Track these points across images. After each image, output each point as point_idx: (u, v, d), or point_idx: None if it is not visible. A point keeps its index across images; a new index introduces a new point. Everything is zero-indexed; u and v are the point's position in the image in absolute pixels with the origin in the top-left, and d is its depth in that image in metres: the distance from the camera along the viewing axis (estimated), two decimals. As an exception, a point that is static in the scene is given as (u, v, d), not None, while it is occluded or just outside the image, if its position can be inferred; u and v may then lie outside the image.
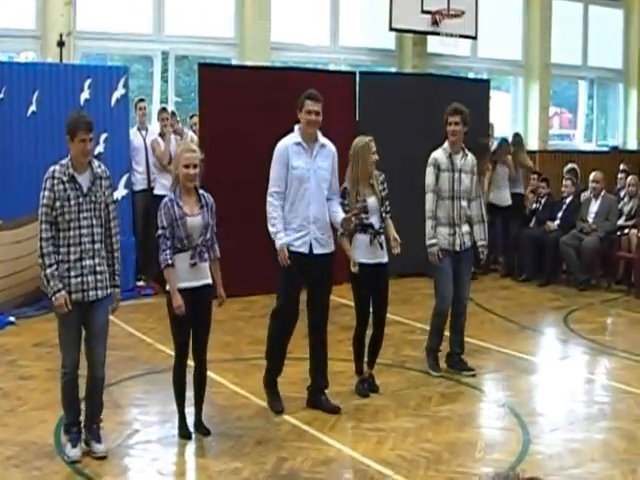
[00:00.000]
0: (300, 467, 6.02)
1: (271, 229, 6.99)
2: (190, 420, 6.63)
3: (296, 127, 7.14)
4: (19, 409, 7.14)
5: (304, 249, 7.03)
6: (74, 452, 6.08)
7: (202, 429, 6.62)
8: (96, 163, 6.20)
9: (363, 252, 7.44)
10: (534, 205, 13.62)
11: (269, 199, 7.02)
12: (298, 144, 7.06)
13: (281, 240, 6.93)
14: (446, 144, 8.17)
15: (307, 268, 7.00)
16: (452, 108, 8.18)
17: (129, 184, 11.90)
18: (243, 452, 6.28)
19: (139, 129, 12.32)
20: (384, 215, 7.52)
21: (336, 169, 7.28)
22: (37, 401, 7.25)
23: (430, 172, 8.09)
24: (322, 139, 7.21)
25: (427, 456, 6.23)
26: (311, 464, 6.07)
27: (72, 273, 6.00)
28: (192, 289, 6.36)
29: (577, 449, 6.42)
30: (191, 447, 6.45)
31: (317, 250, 7.07)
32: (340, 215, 7.14)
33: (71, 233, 5.98)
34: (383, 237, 7.53)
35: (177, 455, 6.38)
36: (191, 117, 12.86)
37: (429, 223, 8.01)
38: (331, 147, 7.26)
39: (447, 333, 8.30)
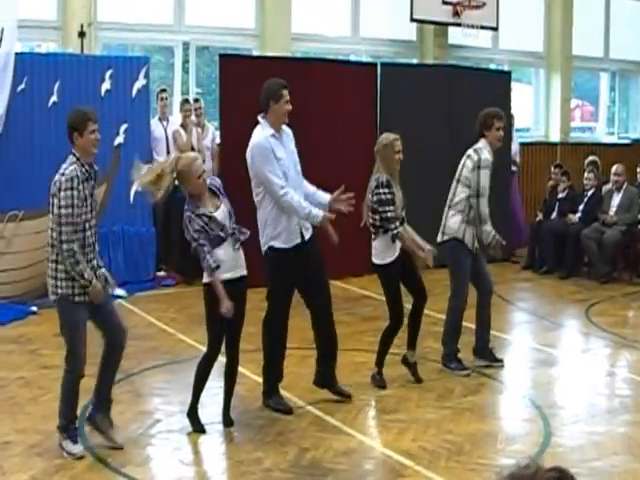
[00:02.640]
0: (322, 457, 6.02)
1: (303, 212, 6.73)
2: (212, 410, 6.63)
3: (261, 119, 6.94)
4: (41, 398, 7.19)
5: (298, 239, 6.91)
6: (77, 448, 6.03)
7: (228, 421, 6.61)
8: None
9: (390, 251, 7.36)
10: (560, 195, 13.53)
11: (284, 192, 6.71)
12: (272, 136, 6.88)
13: (319, 212, 6.76)
14: (487, 145, 7.92)
15: (302, 258, 6.88)
16: (498, 112, 7.90)
17: (150, 175, 11.90)
18: (265, 442, 6.29)
19: (160, 119, 12.34)
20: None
21: None
22: (59, 390, 7.25)
23: (487, 175, 7.82)
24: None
25: (448, 447, 6.23)
26: (333, 454, 6.07)
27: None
28: (232, 281, 6.29)
29: (599, 442, 6.39)
30: (213, 437, 6.45)
31: (306, 235, 6.97)
32: (325, 196, 7.05)
33: (87, 233, 5.98)
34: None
35: (199, 445, 6.38)
36: (195, 101, 12.75)
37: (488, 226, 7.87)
38: (289, 130, 7.12)
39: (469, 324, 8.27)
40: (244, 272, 6.44)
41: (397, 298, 7.46)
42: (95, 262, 6.07)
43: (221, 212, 6.31)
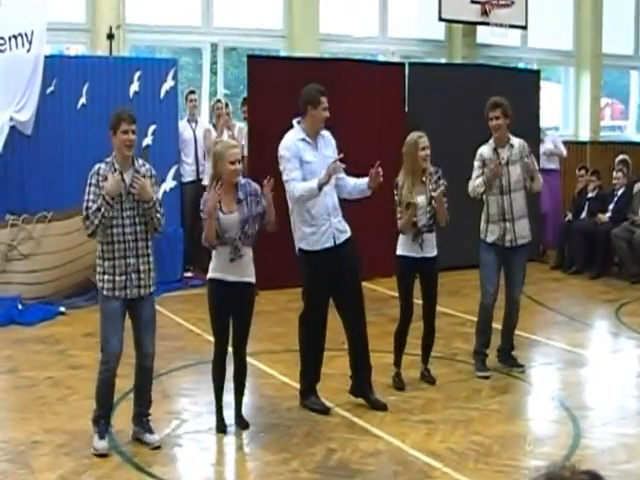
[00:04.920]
0: (349, 458, 6.01)
1: (305, 187, 6.72)
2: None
3: (296, 124, 7.00)
4: (69, 398, 7.24)
5: (329, 243, 6.92)
6: (101, 444, 6.05)
7: (241, 422, 6.58)
8: (140, 161, 6.23)
9: (407, 246, 7.42)
10: (589, 194, 13.43)
11: (294, 185, 6.75)
12: (302, 140, 6.93)
13: (313, 183, 6.69)
14: (492, 141, 7.94)
15: (333, 260, 6.89)
16: (491, 103, 7.91)
17: (177, 176, 11.97)
18: (292, 443, 6.28)
19: (189, 121, 12.38)
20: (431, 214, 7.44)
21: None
22: (87, 390, 7.25)
23: (476, 166, 7.87)
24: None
25: (477, 449, 6.19)
26: (360, 455, 6.05)
27: (117, 271, 6.04)
28: (230, 283, 6.32)
29: (629, 444, 6.33)
30: (240, 437, 6.45)
31: (339, 239, 6.99)
32: (363, 180, 7.04)
33: (114, 230, 6.01)
34: (428, 235, 7.43)
35: (226, 445, 6.39)
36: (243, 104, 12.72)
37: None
38: (329, 135, 7.16)
39: (498, 326, 8.22)
40: (246, 279, 6.40)
41: (406, 295, 7.49)
42: (129, 260, 6.06)
43: (230, 217, 6.28)
